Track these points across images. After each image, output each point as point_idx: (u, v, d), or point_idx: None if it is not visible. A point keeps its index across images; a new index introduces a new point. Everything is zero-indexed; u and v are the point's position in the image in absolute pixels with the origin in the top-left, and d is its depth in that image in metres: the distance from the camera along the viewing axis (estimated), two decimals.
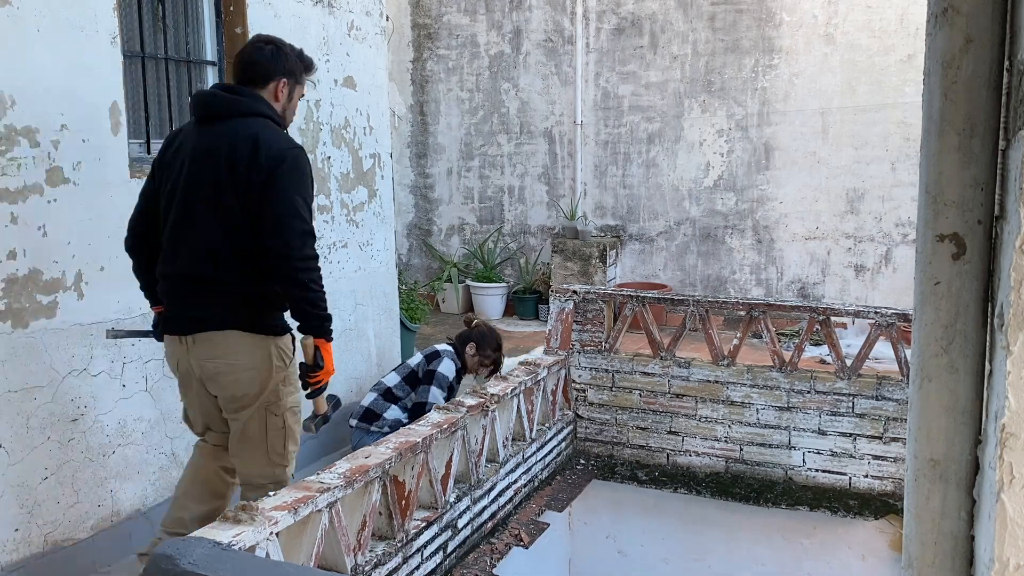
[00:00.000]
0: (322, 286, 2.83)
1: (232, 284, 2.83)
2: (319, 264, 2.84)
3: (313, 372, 2.88)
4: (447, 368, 4.57)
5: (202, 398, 3.00)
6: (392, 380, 4.60)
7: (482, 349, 4.71)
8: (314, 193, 2.97)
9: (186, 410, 3.14)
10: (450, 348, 4.74)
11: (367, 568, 2.69)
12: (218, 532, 2.09)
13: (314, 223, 2.87)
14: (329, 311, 2.86)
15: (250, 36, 4.25)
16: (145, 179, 3.10)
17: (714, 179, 7.86)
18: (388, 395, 4.54)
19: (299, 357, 2.95)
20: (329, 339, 2.87)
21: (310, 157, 4.70)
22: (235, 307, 2.84)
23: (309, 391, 2.94)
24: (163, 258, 2.94)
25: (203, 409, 3.04)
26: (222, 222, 2.80)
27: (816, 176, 7.54)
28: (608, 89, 8.13)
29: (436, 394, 4.45)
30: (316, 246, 2.83)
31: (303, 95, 3.11)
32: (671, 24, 7.84)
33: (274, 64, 2.95)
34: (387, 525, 2.86)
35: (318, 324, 2.84)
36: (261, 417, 2.92)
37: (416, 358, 4.70)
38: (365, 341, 5.31)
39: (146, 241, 3.00)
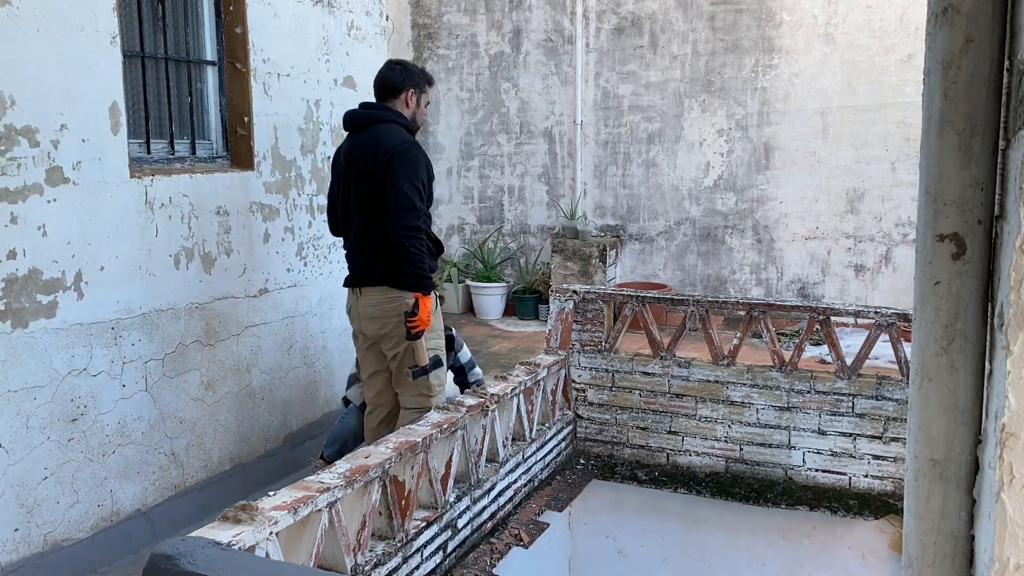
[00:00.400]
0: (420, 250, 3.52)
1: (376, 252, 3.66)
2: (418, 233, 3.52)
3: (410, 317, 3.55)
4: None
5: (366, 341, 3.82)
6: None
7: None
8: (427, 176, 3.68)
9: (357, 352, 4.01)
10: None
11: (367, 568, 2.69)
12: (218, 532, 2.09)
13: (423, 202, 3.60)
14: (426, 272, 3.55)
15: (250, 36, 4.27)
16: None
17: (714, 179, 7.85)
18: None
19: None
20: (425, 293, 3.55)
21: (309, 157, 4.75)
22: (380, 268, 3.66)
23: (408, 335, 3.59)
24: (343, 236, 3.89)
25: (367, 348, 3.85)
26: (366, 206, 3.67)
27: (816, 176, 7.53)
28: (608, 89, 8.13)
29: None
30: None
31: (428, 101, 3.89)
32: (671, 24, 7.83)
33: (402, 79, 3.75)
34: (387, 525, 2.86)
35: (413, 280, 3.54)
36: (408, 354, 3.68)
37: None
38: None
39: (338, 226, 3.92)
